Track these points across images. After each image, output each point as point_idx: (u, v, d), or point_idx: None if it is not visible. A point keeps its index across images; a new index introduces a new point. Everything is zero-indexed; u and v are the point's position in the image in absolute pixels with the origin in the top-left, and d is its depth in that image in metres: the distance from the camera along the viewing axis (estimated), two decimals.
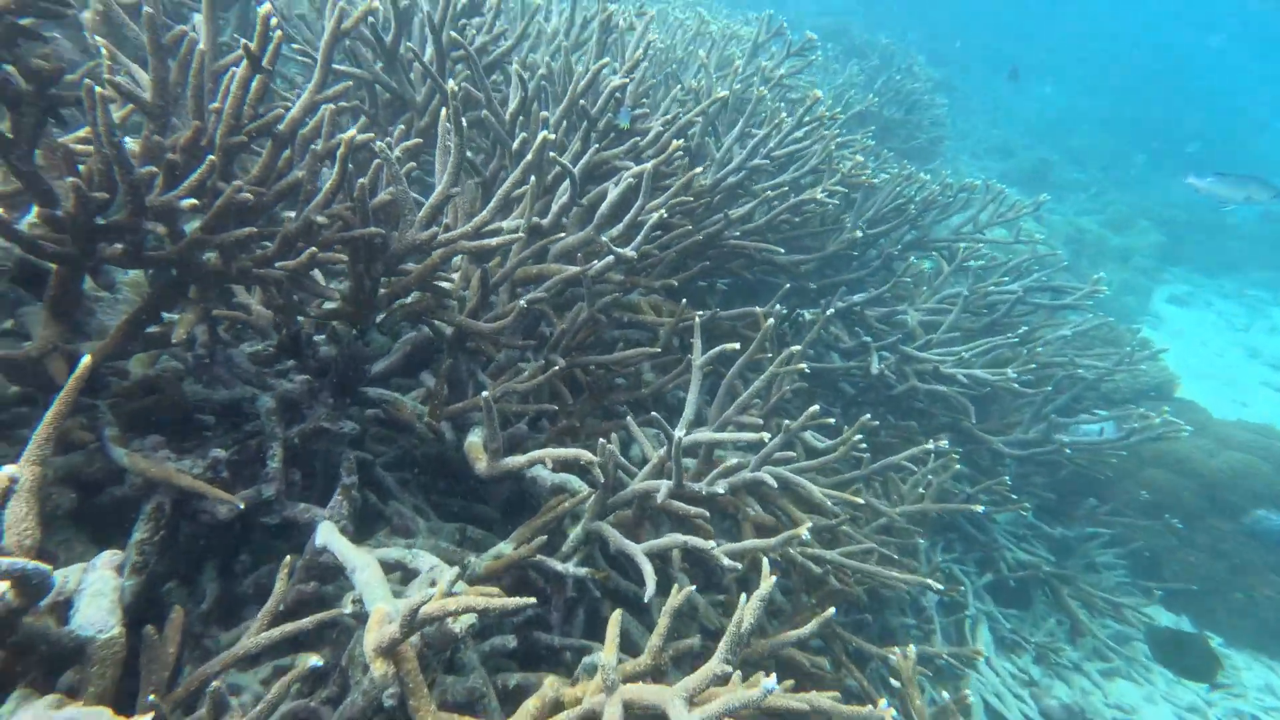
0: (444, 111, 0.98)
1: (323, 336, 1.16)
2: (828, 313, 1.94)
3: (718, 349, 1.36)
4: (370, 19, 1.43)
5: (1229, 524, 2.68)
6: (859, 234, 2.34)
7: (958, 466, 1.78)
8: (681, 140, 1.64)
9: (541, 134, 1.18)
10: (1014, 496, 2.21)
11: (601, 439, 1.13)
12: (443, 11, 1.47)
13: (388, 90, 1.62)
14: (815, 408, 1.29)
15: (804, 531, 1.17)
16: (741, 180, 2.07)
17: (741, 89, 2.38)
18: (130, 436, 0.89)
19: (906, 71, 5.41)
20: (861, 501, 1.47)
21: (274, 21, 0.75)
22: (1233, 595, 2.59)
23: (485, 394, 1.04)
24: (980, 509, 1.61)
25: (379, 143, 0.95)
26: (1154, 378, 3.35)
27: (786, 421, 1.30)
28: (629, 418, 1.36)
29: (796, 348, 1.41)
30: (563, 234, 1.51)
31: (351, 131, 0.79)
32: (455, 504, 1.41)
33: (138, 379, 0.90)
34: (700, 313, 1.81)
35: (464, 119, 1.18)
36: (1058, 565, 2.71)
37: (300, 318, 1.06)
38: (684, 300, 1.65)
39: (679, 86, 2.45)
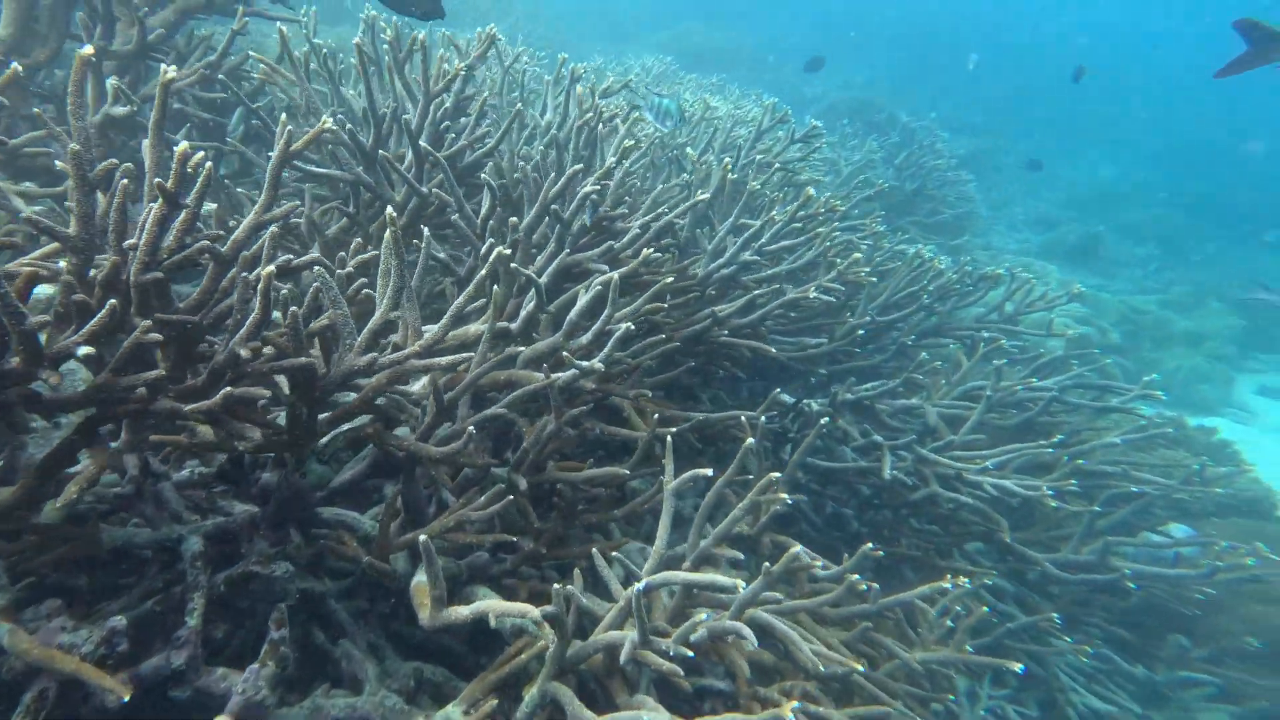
0: (386, 234, 1.01)
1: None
2: (821, 420, 1.85)
3: (689, 474, 1.30)
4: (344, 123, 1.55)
5: None
6: (860, 330, 2.30)
7: (984, 610, 1.60)
8: (654, 250, 1.68)
9: (497, 249, 1.22)
10: (1067, 639, 1.97)
11: (557, 585, 1.06)
12: (420, 118, 1.58)
13: (369, 191, 1.73)
14: (797, 549, 1.20)
15: (788, 713, 1.04)
16: (735, 273, 2.09)
17: (738, 177, 2.46)
18: (31, 598, 0.87)
19: (929, 149, 5.56)
20: (857, 656, 1.32)
21: (196, 159, 0.80)
22: None
23: (422, 537, 1.01)
24: (1020, 668, 1.43)
25: (320, 266, 0.98)
26: (1244, 491, 3.07)
27: (766, 564, 1.21)
28: (595, 550, 1.29)
29: (777, 474, 1.34)
30: (538, 339, 1.52)
31: (270, 268, 0.81)
32: (418, 633, 1.34)
33: (48, 527, 0.90)
34: (690, 415, 1.77)
35: (428, 228, 1.23)
36: (1146, 716, 2.36)
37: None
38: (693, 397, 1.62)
39: (681, 175, 2.55)
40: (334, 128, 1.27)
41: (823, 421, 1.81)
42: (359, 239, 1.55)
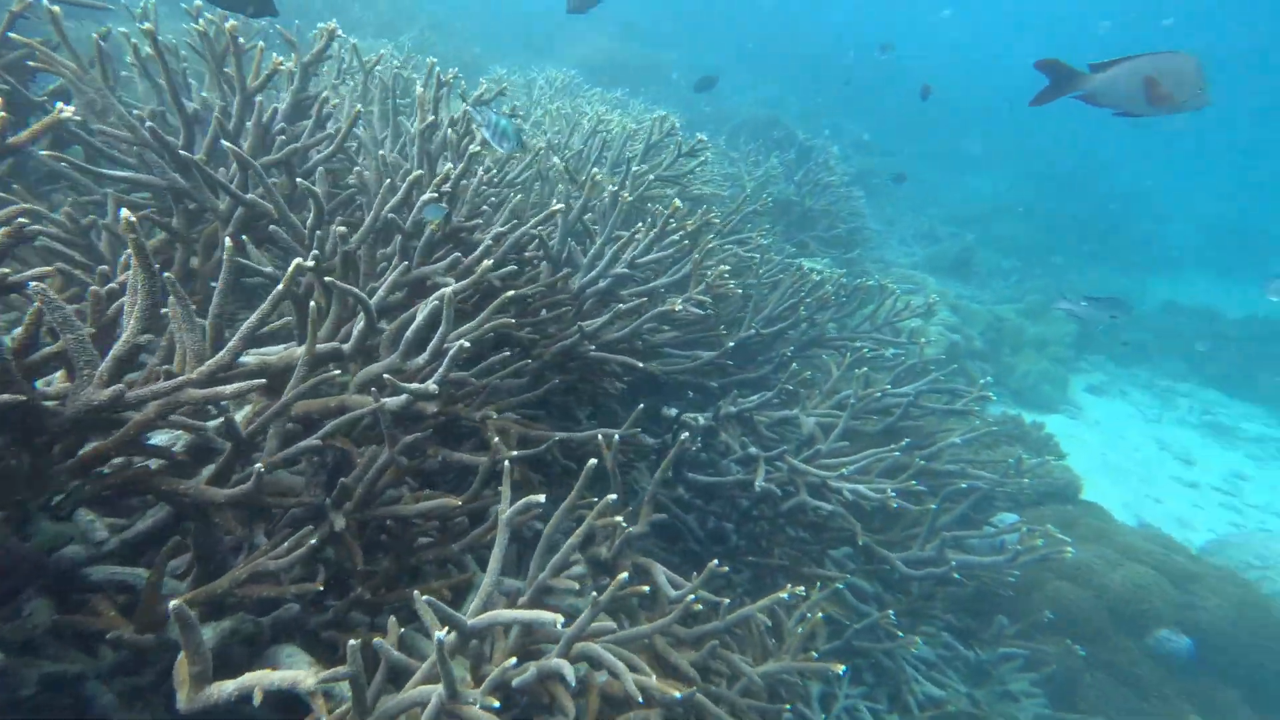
0: (130, 241, 0.88)
1: None
2: (683, 436, 1.87)
3: (522, 502, 1.24)
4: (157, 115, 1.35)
5: (1133, 644, 2.68)
6: (731, 343, 2.35)
7: (819, 616, 1.67)
8: (515, 263, 1.61)
9: (295, 262, 1.10)
10: (900, 635, 2.12)
11: (352, 641, 0.96)
12: (237, 117, 1.42)
13: (189, 198, 1.53)
14: (623, 575, 1.18)
15: None
16: (611, 287, 2.07)
17: (616, 188, 2.45)
18: None
19: (824, 166, 5.88)
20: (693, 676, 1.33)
21: None
22: None
23: (173, 602, 0.88)
24: (841, 669, 1.50)
25: (34, 284, 0.83)
26: (1058, 479, 3.48)
27: (594, 593, 1.18)
28: (415, 592, 1.20)
29: (611, 496, 1.32)
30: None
31: None
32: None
33: None
34: (550, 436, 1.71)
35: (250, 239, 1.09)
36: (971, 694, 2.61)
37: None
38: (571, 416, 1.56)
39: (557, 187, 2.50)
40: (73, 117, 1.09)
41: (683, 437, 1.82)
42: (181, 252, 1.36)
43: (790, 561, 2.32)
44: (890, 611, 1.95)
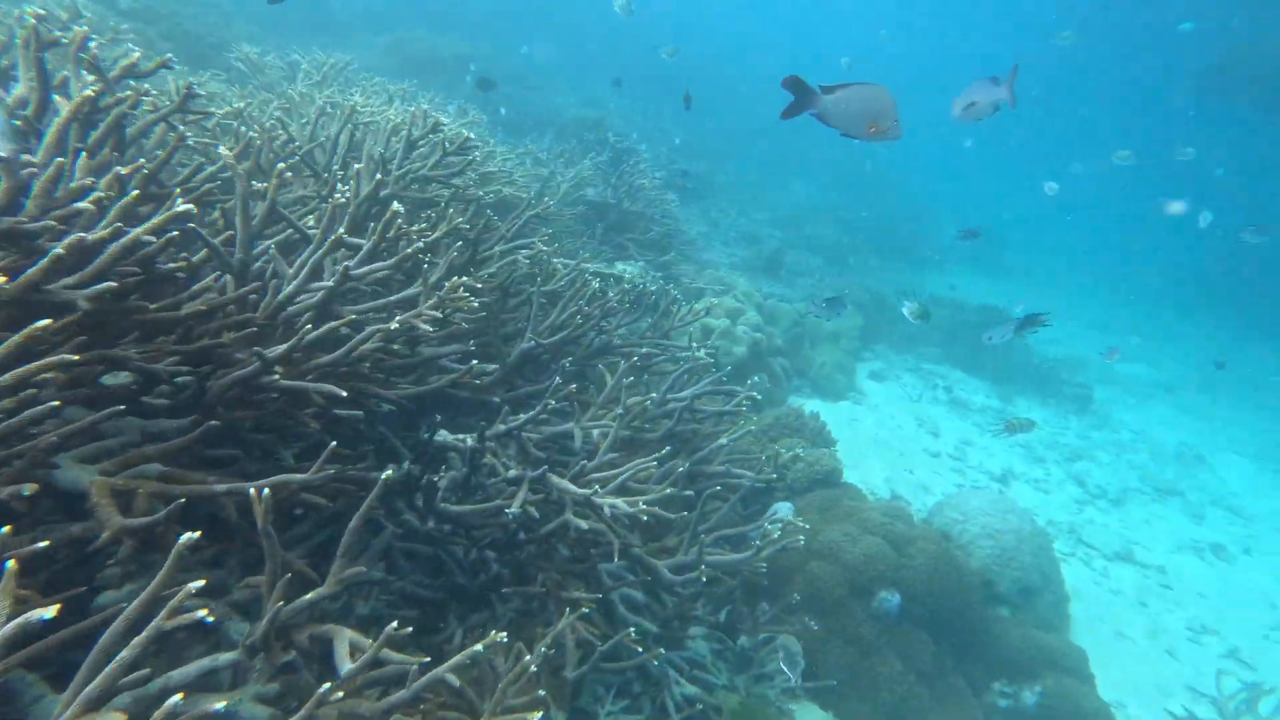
0: None
1: None
2: (405, 466, 1.70)
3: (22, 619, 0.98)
4: None
5: (861, 608, 3.12)
6: (490, 368, 2.23)
7: (527, 659, 1.63)
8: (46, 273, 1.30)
9: None
10: (640, 650, 2.18)
11: None
12: None
13: None
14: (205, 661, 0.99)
15: None
16: (323, 302, 1.82)
17: (356, 186, 2.18)
18: None
19: (637, 170, 6.02)
20: None
21: None
22: (862, 680, 2.96)
23: None
24: (537, 716, 1.46)
25: None
26: (825, 466, 3.94)
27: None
28: None
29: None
30: None
31: None
32: None
33: None
34: (212, 490, 1.43)
35: None
36: (732, 682, 2.83)
37: None
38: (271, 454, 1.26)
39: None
40: None
41: (393, 470, 1.65)
42: None
43: (551, 586, 2.28)
44: (631, 630, 1.99)
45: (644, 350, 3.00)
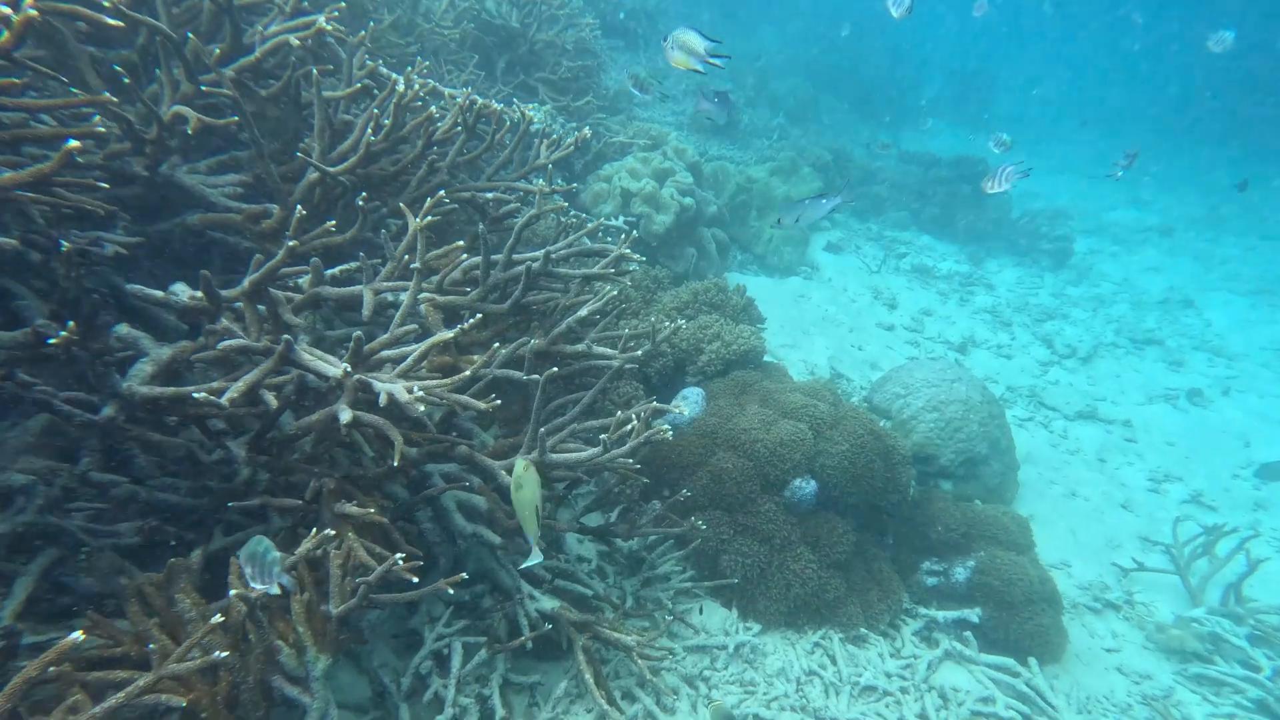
0: None
1: None
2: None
3: None
4: None
5: (773, 500, 2.78)
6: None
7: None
8: None
9: None
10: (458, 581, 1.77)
11: None
12: None
13: None
14: None
15: None
16: None
17: None
18: None
19: None
20: None
21: None
22: (771, 577, 2.68)
23: None
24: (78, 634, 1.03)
25: None
26: (745, 345, 3.45)
27: None
28: None
29: None
30: None
31: None
32: None
33: None
34: None
35: None
36: (619, 585, 2.54)
37: None
38: None
39: None
40: None
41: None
42: None
43: (328, 497, 1.81)
44: (398, 556, 1.54)
45: (490, 196, 2.33)
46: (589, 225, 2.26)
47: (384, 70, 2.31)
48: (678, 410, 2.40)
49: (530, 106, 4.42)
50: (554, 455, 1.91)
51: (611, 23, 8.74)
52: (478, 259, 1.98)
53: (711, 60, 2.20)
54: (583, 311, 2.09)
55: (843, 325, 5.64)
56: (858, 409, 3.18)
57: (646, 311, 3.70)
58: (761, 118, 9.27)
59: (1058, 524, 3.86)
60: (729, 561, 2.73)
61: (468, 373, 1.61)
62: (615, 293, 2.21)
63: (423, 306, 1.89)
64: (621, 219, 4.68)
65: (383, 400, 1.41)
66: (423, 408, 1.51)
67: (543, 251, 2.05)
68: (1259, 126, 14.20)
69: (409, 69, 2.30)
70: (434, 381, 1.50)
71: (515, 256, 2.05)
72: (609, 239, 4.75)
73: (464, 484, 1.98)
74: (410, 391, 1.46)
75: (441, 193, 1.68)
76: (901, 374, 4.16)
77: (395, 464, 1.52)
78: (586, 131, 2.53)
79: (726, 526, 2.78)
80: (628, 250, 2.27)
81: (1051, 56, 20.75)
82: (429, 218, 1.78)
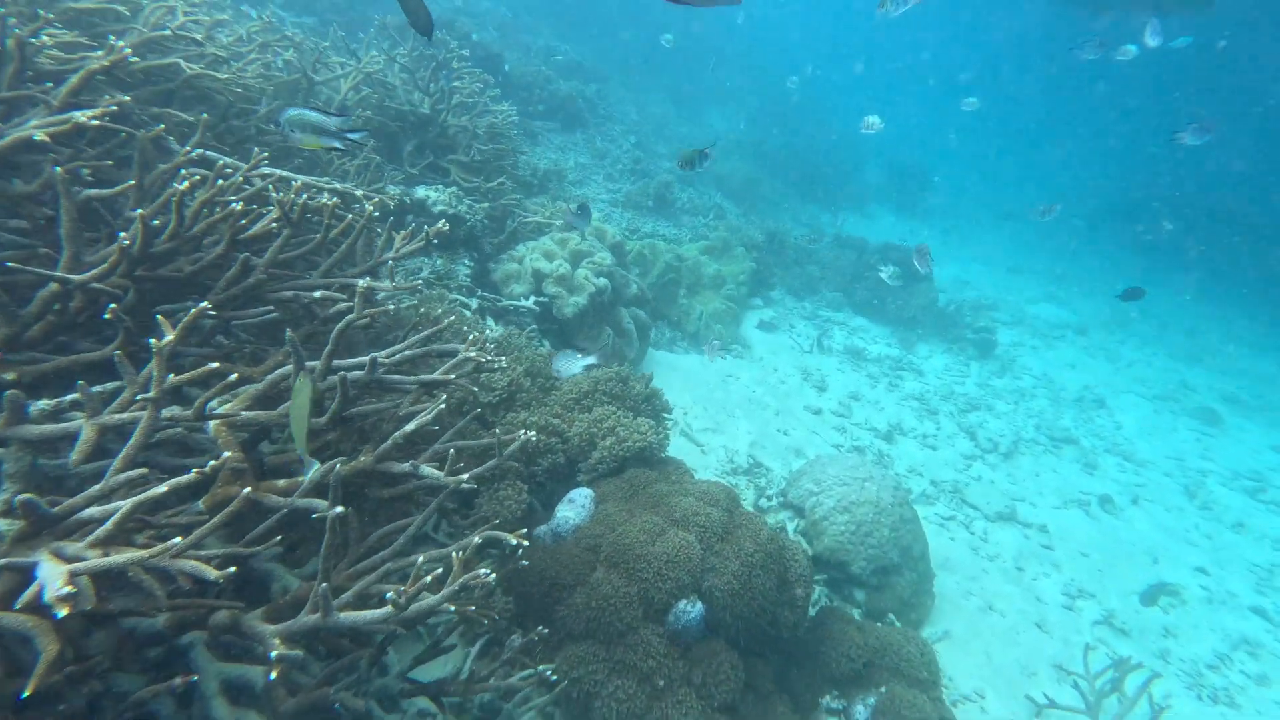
0: None
1: None
2: None
3: None
4: None
5: (655, 630, 2.51)
6: None
7: None
8: None
9: None
10: None
11: None
12: None
13: None
14: None
15: None
16: None
17: None
18: None
19: (478, 77, 4.99)
20: None
21: None
22: None
23: None
24: None
25: None
26: (639, 441, 3.26)
27: None
28: None
29: None
30: None
31: None
32: None
33: None
34: None
35: None
36: None
37: None
38: None
39: None
40: None
41: None
42: None
43: None
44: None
45: (318, 295, 2.10)
46: (444, 321, 2.06)
47: (225, 160, 2.13)
48: (560, 518, 2.15)
49: (435, 188, 4.33)
50: (341, 617, 1.60)
51: (551, 105, 9.03)
52: (289, 369, 1.73)
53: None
54: (410, 426, 1.84)
55: (769, 408, 5.56)
56: (754, 516, 2.99)
57: (543, 403, 3.48)
58: (698, 196, 9.57)
59: (973, 644, 3.69)
60: (602, 709, 2.40)
61: (216, 519, 1.33)
62: (443, 406, 1.95)
63: (212, 427, 1.61)
64: (533, 300, 4.54)
65: (26, 597, 1.07)
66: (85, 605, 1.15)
67: (369, 357, 1.83)
68: (1175, 237, 15.70)
69: (260, 153, 2.13)
70: (127, 556, 1.19)
71: (337, 363, 1.82)
72: (517, 324, 4.61)
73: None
74: (69, 582, 1.08)
75: (204, 304, 1.44)
76: (816, 469, 4.03)
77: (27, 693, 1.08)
78: (443, 224, 2.37)
79: (602, 664, 2.46)
80: (475, 353, 2.06)
81: (981, 157, 22.79)
82: (221, 312, 1.54)
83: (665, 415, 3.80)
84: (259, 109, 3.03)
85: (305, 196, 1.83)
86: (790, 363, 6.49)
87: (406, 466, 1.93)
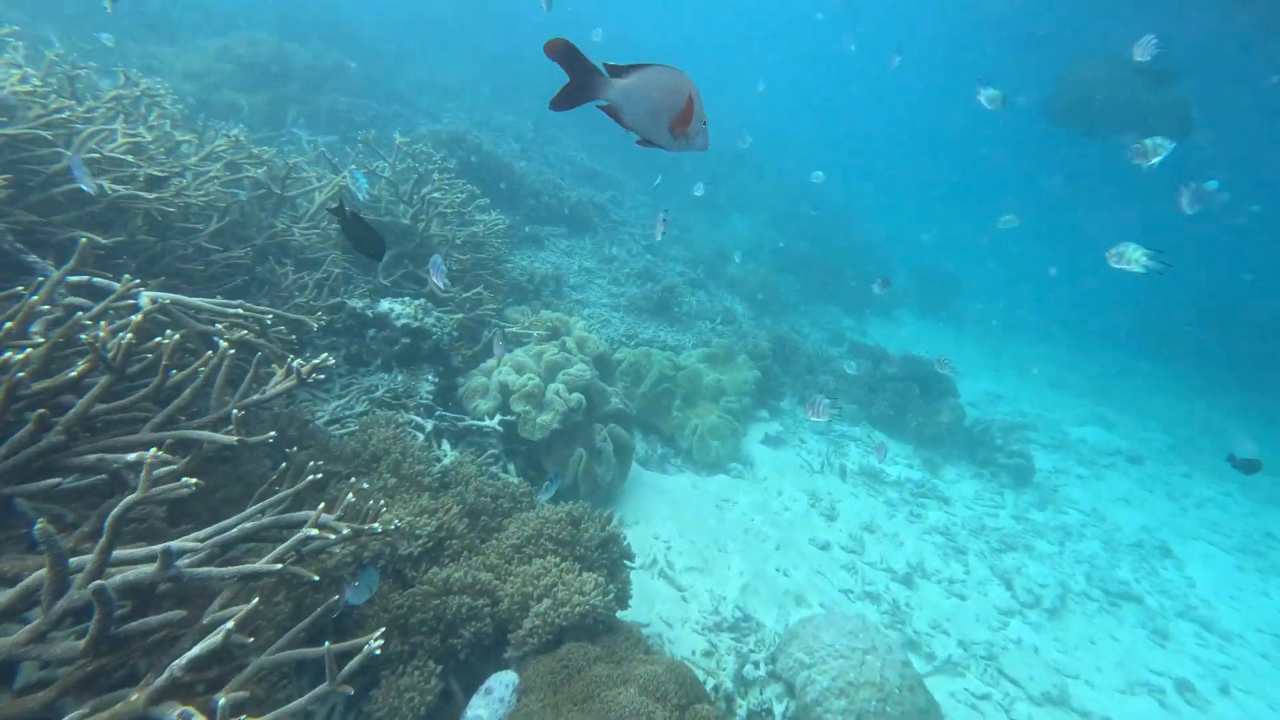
0: None
1: None
2: None
3: None
4: None
5: None
6: None
7: None
8: None
9: None
10: None
11: None
12: None
13: None
14: None
15: None
16: None
17: None
18: None
19: (460, 188, 5.09)
20: None
21: None
22: None
23: None
24: None
25: None
26: (582, 606, 2.76)
27: None
28: None
29: None
30: None
31: None
32: None
33: None
34: None
35: None
36: None
37: None
38: None
39: None
40: None
41: None
42: None
43: None
44: None
45: (130, 457, 1.81)
46: (280, 493, 1.73)
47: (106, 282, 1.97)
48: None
49: (401, 300, 4.22)
50: None
51: (559, 211, 9.32)
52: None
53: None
54: (195, 651, 1.43)
55: (768, 541, 4.95)
56: (717, 715, 2.41)
57: (479, 550, 3.06)
58: (706, 300, 9.46)
59: None
60: None
61: None
62: (230, 629, 1.52)
63: None
64: (498, 420, 4.25)
65: None
66: None
67: (160, 548, 1.49)
68: (1234, 360, 14.88)
69: (130, 279, 1.96)
70: None
71: (123, 554, 1.48)
72: (479, 445, 4.28)
73: None
74: None
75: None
76: (808, 632, 3.40)
77: None
78: (326, 358, 2.12)
79: None
80: (315, 530, 1.70)
81: (1017, 272, 22.63)
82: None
83: (626, 563, 3.31)
84: (203, 228, 2.97)
85: (129, 337, 1.59)
86: (797, 485, 5.92)
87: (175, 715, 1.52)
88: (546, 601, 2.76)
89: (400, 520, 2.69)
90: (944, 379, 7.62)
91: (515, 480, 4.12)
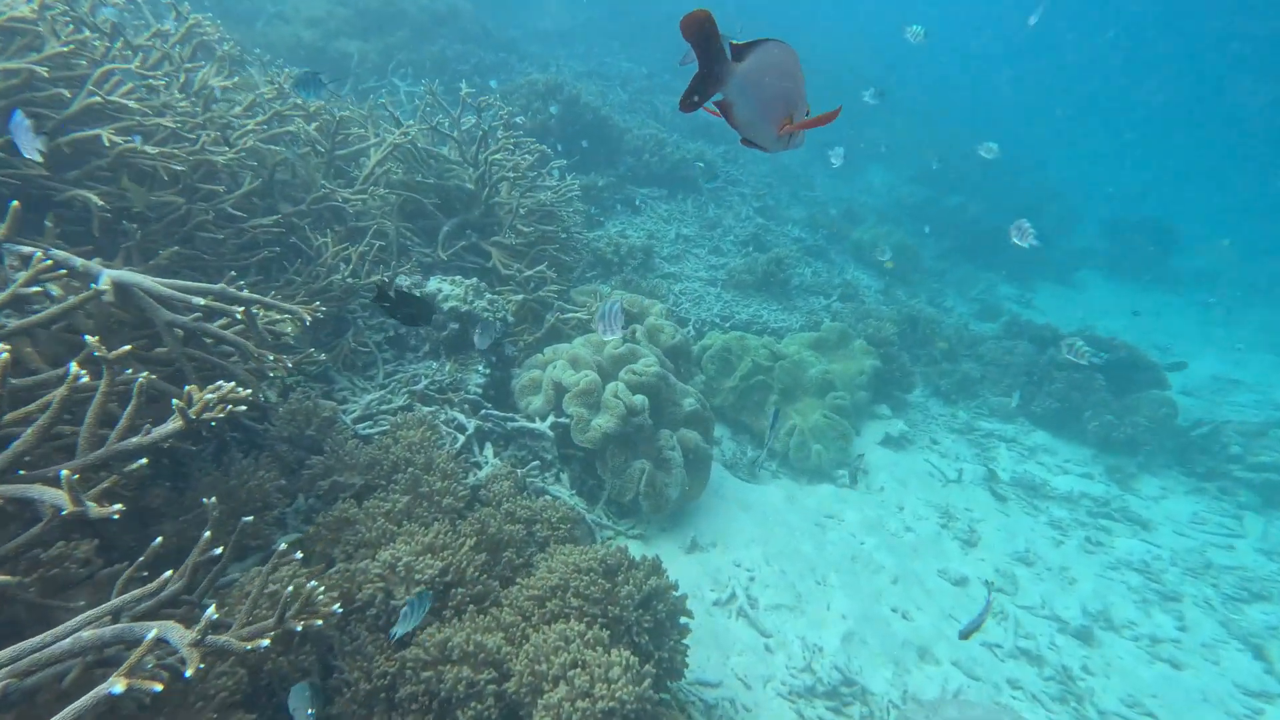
0: None
1: None
2: None
3: None
4: None
5: None
6: None
7: None
8: None
9: None
10: None
11: None
12: None
13: None
14: None
15: None
16: None
17: None
18: None
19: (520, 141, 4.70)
20: None
21: None
22: None
23: None
24: None
25: None
26: (605, 702, 2.19)
27: None
28: None
29: None
30: None
31: None
32: None
33: None
34: None
35: None
36: None
37: None
38: None
39: None
40: None
41: None
42: None
43: None
44: None
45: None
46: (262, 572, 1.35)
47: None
48: None
49: (452, 280, 3.87)
50: None
51: (657, 172, 8.60)
52: None
53: None
54: None
55: (883, 572, 4.03)
56: None
57: (498, 601, 2.56)
58: (824, 271, 8.26)
59: None
60: None
61: None
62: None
63: None
64: (550, 421, 3.78)
65: None
66: None
67: (69, 640, 1.15)
68: None
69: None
70: None
71: (49, 652, 1.17)
72: (531, 450, 3.83)
73: None
74: None
75: None
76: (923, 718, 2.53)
77: None
78: (246, 391, 1.70)
79: None
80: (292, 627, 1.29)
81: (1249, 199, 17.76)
82: None
83: (681, 621, 2.65)
84: (227, 189, 2.78)
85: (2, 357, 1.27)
86: (924, 498, 4.84)
87: None
88: (562, 689, 2.18)
89: (380, 567, 2.30)
90: (1143, 365, 5.86)
91: (564, 495, 3.66)
